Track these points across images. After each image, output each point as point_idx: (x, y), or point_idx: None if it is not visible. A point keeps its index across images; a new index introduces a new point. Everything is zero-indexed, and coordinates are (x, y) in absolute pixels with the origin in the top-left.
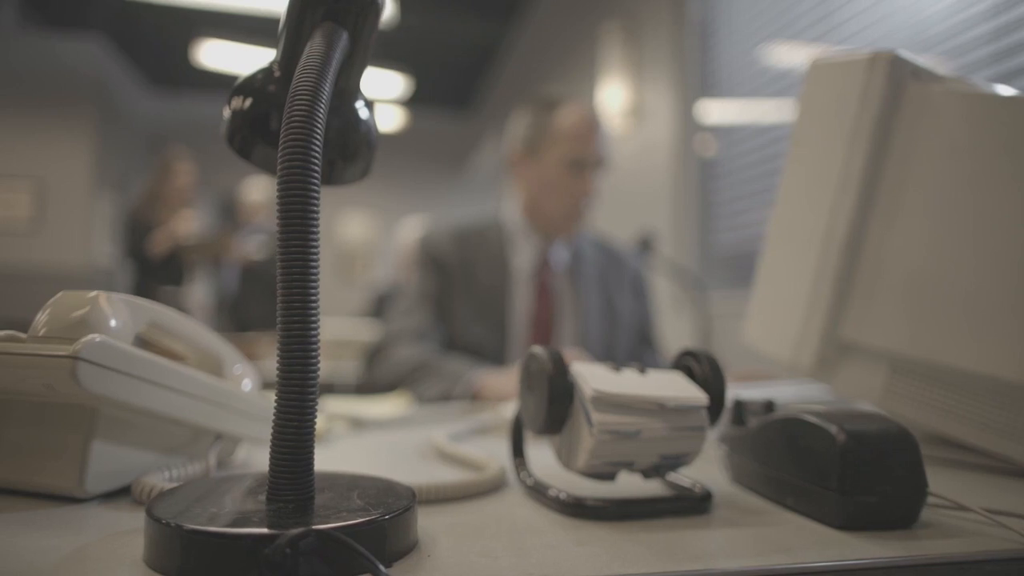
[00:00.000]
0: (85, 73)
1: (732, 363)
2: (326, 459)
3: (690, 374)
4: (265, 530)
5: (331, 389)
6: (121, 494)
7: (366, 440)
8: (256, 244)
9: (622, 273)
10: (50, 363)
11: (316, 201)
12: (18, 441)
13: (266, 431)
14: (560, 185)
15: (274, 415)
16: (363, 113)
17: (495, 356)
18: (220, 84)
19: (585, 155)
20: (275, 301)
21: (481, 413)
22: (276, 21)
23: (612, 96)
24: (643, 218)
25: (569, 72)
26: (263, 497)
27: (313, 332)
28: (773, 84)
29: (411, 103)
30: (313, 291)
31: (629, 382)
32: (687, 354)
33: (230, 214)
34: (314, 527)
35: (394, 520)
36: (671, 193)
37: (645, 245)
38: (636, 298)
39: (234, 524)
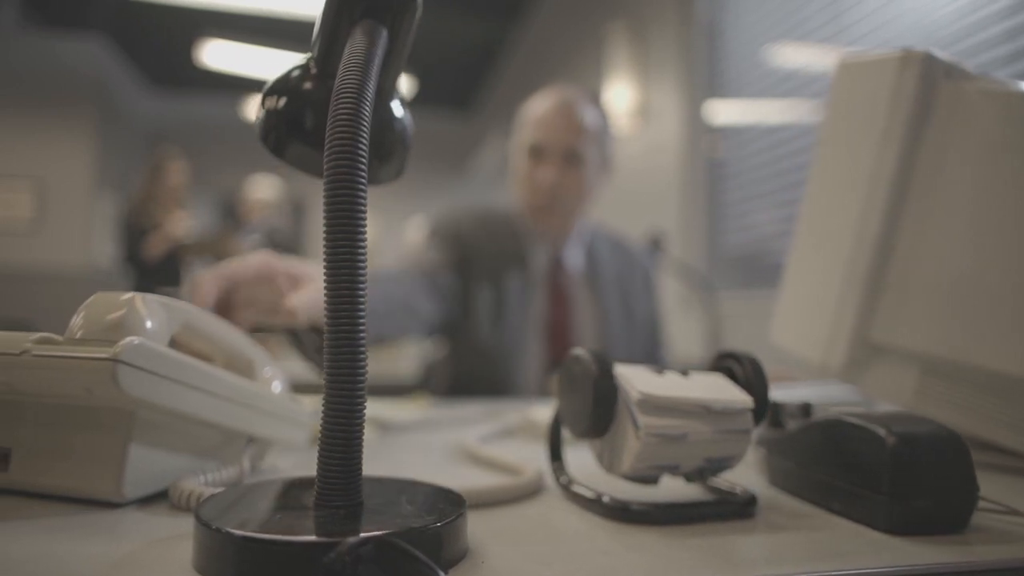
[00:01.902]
0: (86, 73)
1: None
2: None
3: (731, 376)
4: (325, 538)
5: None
6: (157, 499)
7: (393, 443)
8: (251, 244)
9: (634, 270)
10: (90, 366)
11: (363, 201)
12: (53, 445)
13: (298, 434)
14: (521, 174)
15: (322, 420)
16: (398, 112)
17: (513, 359)
18: (222, 84)
19: (543, 141)
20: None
21: (506, 415)
22: (280, 21)
23: (618, 96)
24: (650, 218)
25: (573, 72)
26: (311, 503)
27: (361, 334)
28: (781, 84)
29: (413, 103)
30: (361, 293)
31: (673, 385)
32: (728, 356)
33: (232, 214)
34: (375, 534)
35: (449, 526)
36: (679, 193)
37: (655, 245)
38: (647, 294)
39: (288, 531)
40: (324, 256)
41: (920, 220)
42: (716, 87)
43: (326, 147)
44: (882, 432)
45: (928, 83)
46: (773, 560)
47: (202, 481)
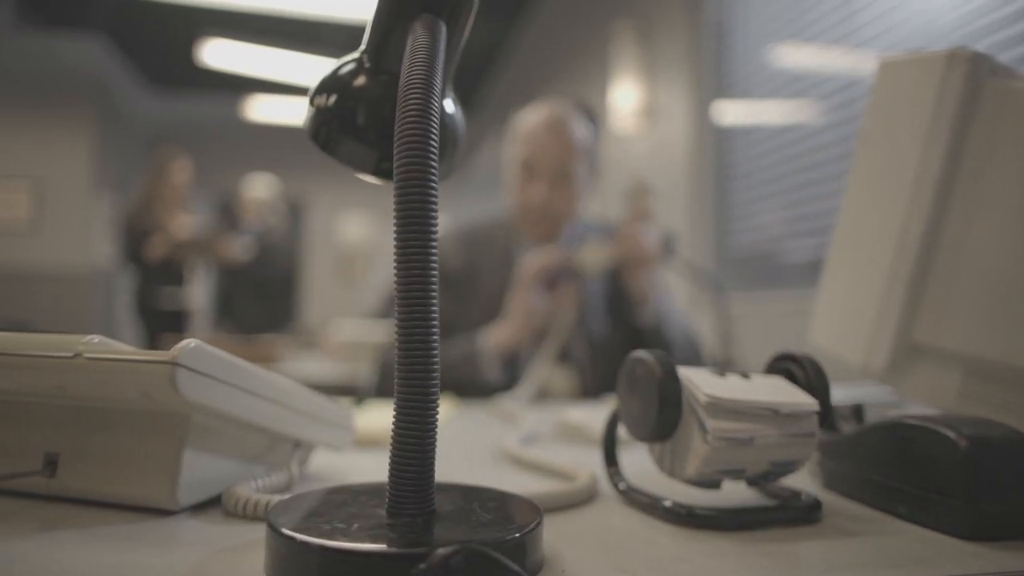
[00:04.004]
0: (85, 73)
1: (753, 364)
2: None
3: (791, 378)
4: (412, 548)
5: (352, 392)
6: (208, 506)
7: None
8: (242, 245)
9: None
10: (147, 369)
11: (435, 197)
12: (103, 451)
13: (343, 437)
14: (513, 189)
15: (394, 425)
16: (450, 108)
17: (504, 357)
18: (222, 84)
19: (534, 159)
20: (264, 303)
21: (539, 413)
22: (283, 21)
23: (624, 96)
24: (658, 219)
25: (575, 72)
26: (382, 510)
27: (434, 337)
28: (790, 85)
29: None
30: (433, 292)
31: (737, 387)
32: (786, 357)
33: (227, 213)
34: (467, 544)
35: (531, 534)
36: (687, 194)
37: (666, 247)
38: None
39: (371, 540)
40: (395, 255)
41: (965, 220)
42: (724, 87)
43: (396, 142)
44: (952, 435)
45: (974, 82)
46: (857, 567)
47: (254, 487)
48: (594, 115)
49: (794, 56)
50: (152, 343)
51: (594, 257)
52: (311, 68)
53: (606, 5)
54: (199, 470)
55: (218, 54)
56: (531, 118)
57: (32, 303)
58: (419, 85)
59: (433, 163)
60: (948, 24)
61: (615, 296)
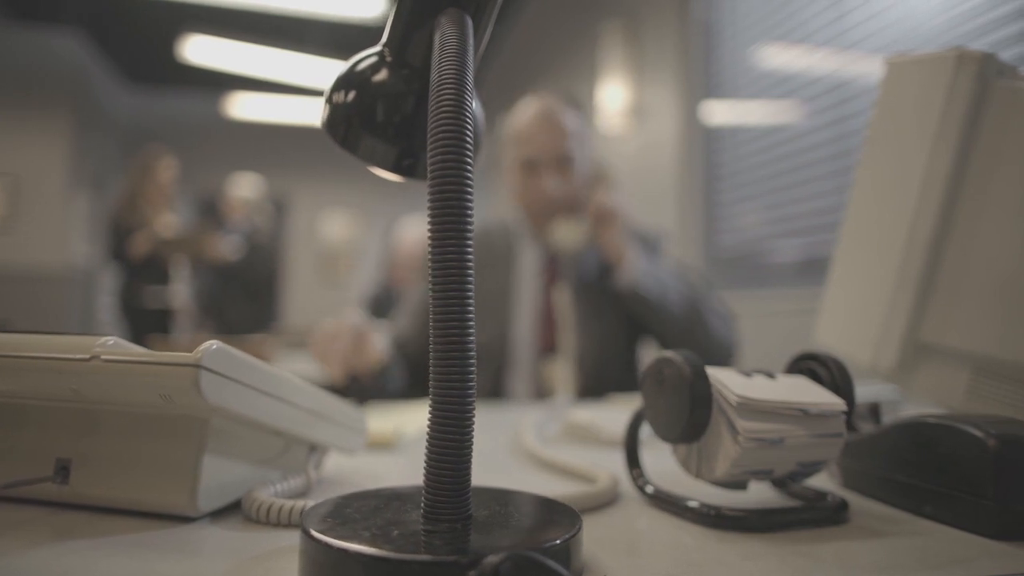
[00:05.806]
0: (62, 69)
1: (746, 362)
2: (411, 466)
3: (815, 378)
4: (457, 555)
5: (344, 393)
6: (227, 512)
7: None
8: (231, 245)
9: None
10: (169, 372)
11: (471, 197)
12: (118, 456)
13: (357, 440)
14: (519, 188)
15: (429, 429)
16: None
17: (498, 358)
18: (204, 81)
19: (536, 154)
20: (251, 304)
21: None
22: (266, 17)
23: (612, 96)
24: (646, 218)
25: (563, 72)
26: (417, 516)
27: (470, 340)
28: (778, 86)
29: None
30: (469, 295)
31: (765, 388)
32: (808, 357)
33: (212, 212)
34: (515, 550)
35: (574, 540)
36: (675, 193)
37: (654, 247)
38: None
39: (415, 548)
40: (430, 254)
41: (974, 218)
42: (712, 87)
43: (430, 138)
44: (980, 434)
45: (983, 82)
46: (897, 568)
47: (273, 492)
48: (578, 103)
49: (782, 57)
50: (138, 342)
51: (568, 235)
52: (294, 65)
53: (594, 5)
54: (218, 475)
55: (199, 50)
56: (521, 116)
57: (8, 302)
58: (452, 80)
59: (469, 160)
60: (937, 27)
61: (605, 274)
